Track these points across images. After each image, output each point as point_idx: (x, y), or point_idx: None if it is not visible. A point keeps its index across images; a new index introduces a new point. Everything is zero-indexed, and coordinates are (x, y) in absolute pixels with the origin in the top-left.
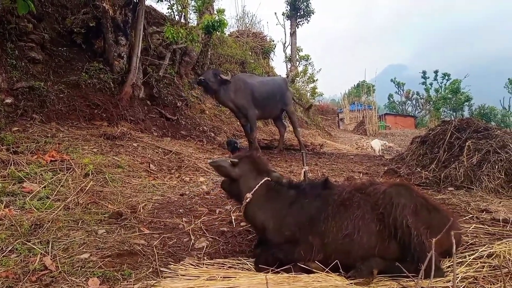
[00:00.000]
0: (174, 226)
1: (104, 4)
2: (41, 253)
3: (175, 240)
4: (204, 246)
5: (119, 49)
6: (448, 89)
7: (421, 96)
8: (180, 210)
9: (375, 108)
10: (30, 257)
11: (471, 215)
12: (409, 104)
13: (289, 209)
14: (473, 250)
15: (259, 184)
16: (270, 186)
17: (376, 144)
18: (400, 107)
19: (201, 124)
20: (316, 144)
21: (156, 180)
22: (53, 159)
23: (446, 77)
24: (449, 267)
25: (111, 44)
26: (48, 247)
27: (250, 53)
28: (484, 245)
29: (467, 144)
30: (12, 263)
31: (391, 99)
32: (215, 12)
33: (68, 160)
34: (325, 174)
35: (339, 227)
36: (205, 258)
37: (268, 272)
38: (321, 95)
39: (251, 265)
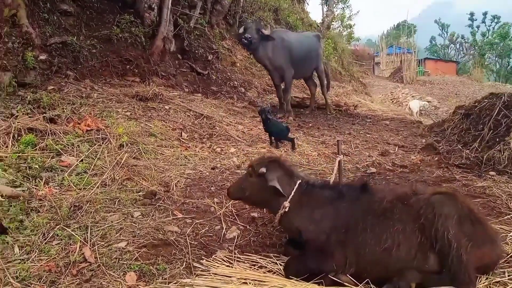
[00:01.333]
0: (206, 209)
1: None
2: (80, 241)
3: (207, 228)
4: (235, 236)
5: (149, 0)
6: (496, 34)
7: (466, 40)
8: (212, 188)
9: (415, 52)
10: (70, 244)
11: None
12: (452, 48)
13: (325, 212)
14: None
15: (294, 189)
16: (302, 189)
17: (415, 106)
18: (443, 51)
19: (232, 78)
20: (350, 104)
21: (188, 150)
22: (88, 128)
23: (496, 20)
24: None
25: None
26: (87, 233)
27: None
28: None
29: None
30: (54, 251)
31: (433, 42)
32: None
33: (103, 129)
34: (358, 146)
35: (378, 240)
36: (236, 251)
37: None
38: (358, 40)
39: (281, 264)
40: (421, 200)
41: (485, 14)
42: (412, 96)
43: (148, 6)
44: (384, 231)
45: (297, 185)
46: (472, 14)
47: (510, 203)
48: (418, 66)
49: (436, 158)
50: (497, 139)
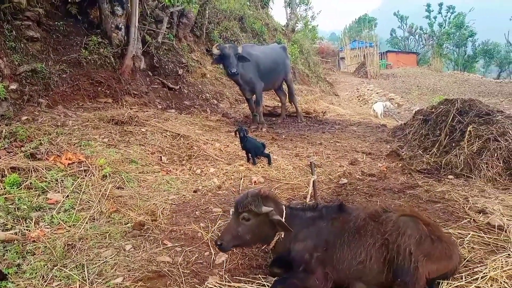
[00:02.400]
0: (193, 235)
1: None
2: (79, 280)
3: (196, 255)
4: (223, 261)
5: (116, 20)
6: (452, 23)
7: (424, 31)
8: (196, 212)
9: (376, 45)
10: (69, 285)
11: (468, 218)
12: (411, 40)
13: (308, 232)
14: (469, 269)
15: (284, 216)
16: (288, 213)
17: (378, 108)
18: (403, 42)
19: (204, 91)
20: (319, 111)
21: (169, 174)
22: (70, 161)
23: (451, 10)
24: None
25: (108, 15)
26: (84, 271)
27: (249, 3)
28: (479, 264)
29: (468, 129)
30: None
31: (394, 34)
32: None
33: (85, 161)
34: (330, 156)
35: (354, 255)
36: (226, 276)
37: None
38: (322, 39)
39: (269, 286)
40: (390, 220)
41: (440, 5)
42: (377, 93)
43: (116, 26)
44: (359, 247)
45: (284, 211)
46: (428, 5)
47: (467, 207)
48: (381, 59)
49: (400, 165)
50: (453, 144)
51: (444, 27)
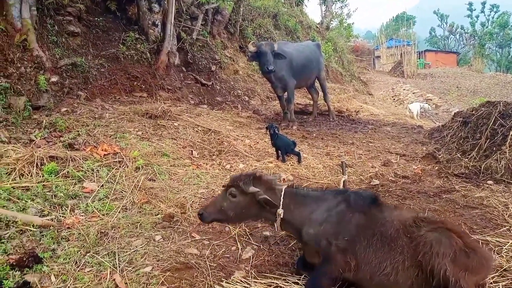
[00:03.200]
0: (221, 229)
1: None
2: (110, 267)
3: (224, 249)
4: (250, 256)
5: (153, 17)
6: (496, 23)
7: (465, 30)
8: None
9: (414, 44)
10: (101, 271)
11: (508, 226)
12: (452, 39)
13: (328, 216)
14: (507, 278)
15: (282, 196)
16: (292, 193)
17: (415, 108)
18: (442, 42)
19: (235, 87)
20: (352, 110)
21: (199, 168)
22: (105, 152)
23: (495, 9)
24: None
25: (145, 12)
26: (115, 259)
27: (283, 1)
28: None
29: (511, 133)
30: (87, 279)
31: (433, 33)
32: None
33: (119, 153)
34: (361, 157)
35: (378, 264)
36: (252, 271)
37: None
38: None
39: (295, 284)
40: (420, 237)
41: (483, 3)
42: (413, 93)
43: (152, 22)
44: (386, 259)
45: (283, 191)
46: (470, 4)
47: (506, 214)
48: (419, 58)
49: (436, 168)
50: (494, 148)
51: (487, 27)
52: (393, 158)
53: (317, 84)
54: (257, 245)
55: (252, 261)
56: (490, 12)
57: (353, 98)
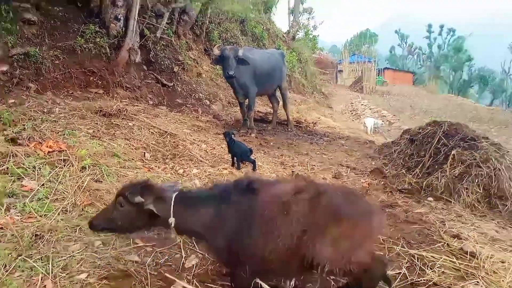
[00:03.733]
0: (167, 236)
1: None
2: (42, 273)
3: (166, 257)
4: (193, 265)
5: (116, 11)
6: (451, 46)
7: (423, 51)
8: None
9: (375, 61)
10: (32, 277)
11: (443, 242)
12: (410, 59)
13: (214, 217)
14: None
15: (172, 203)
16: (183, 198)
17: (369, 123)
18: (401, 61)
19: (197, 90)
20: (310, 121)
21: (150, 171)
22: (50, 149)
23: (451, 33)
24: None
25: (108, 5)
26: (49, 264)
27: (252, 7)
28: None
29: (452, 153)
30: (16, 284)
31: (393, 52)
32: None
33: (65, 150)
34: (314, 168)
35: (263, 252)
36: (194, 280)
37: None
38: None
39: None
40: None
41: (441, 27)
42: (370, 109)
43: (115, 16)
44: (266, 244)
45: (173, 198)
46: (430, 26)
47: (442, 231)
48: (378, 75)
49: (383, 182)
50: (436, 166)
51: (443, 49)
52: (344, 171)
53: (278, 93)
54: (201, 254)
55: (194, 270)
56: (447, 35)
57: (313, 109)
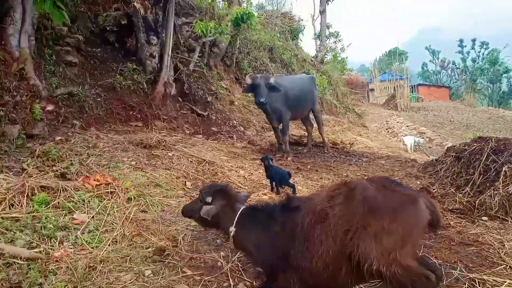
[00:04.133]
0: (213, 263)
1: (135, 3)
2: None
3: (215, 286)
4: None
5: (151, 49)
6: (486, 59)
7: (457, 66)
8: (217, 241)
9: (407, 78)
10: None
11: (504, 265)
12: (444, 74)
13: (262, 236)
14: None
15: (237, 215)
16: (249, 213)
17: (409, 141)
18: (434, 76)
19: (231, 118)
20: (346, 142)
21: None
22: (98, 183)
23: (485, 46)
24: None
25: (143, 44)
26: None
27: (279, 35)
28: None
29: (503, 169)
30: None
31: (425, 68)
32: (244, 1)
33: (112, 183)
34: None
35: (311, 263)
36: None
37: None
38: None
39: None
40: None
41: (474, 41)
42: (407, 126)
43: (150, 54)
44: (313, 255)
45: (239, 211)
46: (461, 41)
47: (502, 252)
48: (411, 92)
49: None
50: (488, 184)
51: (478, 63)
52: None
53: (311, 116)
54: (249, 282)
55: None
56: (480, 49)
57: (348, 130)
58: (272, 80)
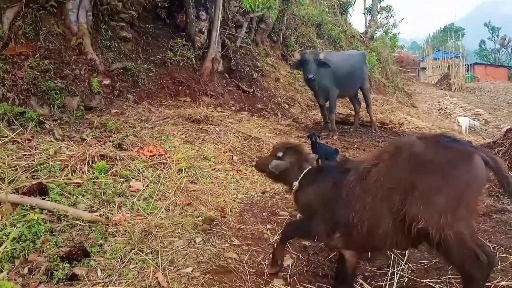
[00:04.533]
0: (260, 235)
1: None
2: (153, 265)
3: (262, 256)
4: (289, 265)
5: (200, 24)
6: None
7: None
8: (264, 214)
9: (463, 56)
10: (144, 269)
11: None
12: (503, 53)
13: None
14: None
15: (303, 173)
16: (310, 173)
17: (464, 122)
18: (493, 55)
19: (276, 95)
20: (395, 122)
21: (239, 174)
22: (151, 154)
23: None
24: None
25: (193, 19)
26: (158, 257)
27: (327, 10)
28: None
29: None
30: (131, 275)
31: (483, 46)
32: None
33: (164, 155)
34: None
35: (359, 221)
36: (291, 280)
37: None
38: (402, 48)
39: None
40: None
41: None
42: (461, 107)
43: (199, 29)
44: (359, 211)
45: (306, 170)
46: None
47: None
48: (467, 71)
49: (487, 186)
50: None
51: None
52: None
53: (359, 95)
54: (295, 254)
55: (290, 270)
56: None
57: (397, 110)
58: (321, 56)
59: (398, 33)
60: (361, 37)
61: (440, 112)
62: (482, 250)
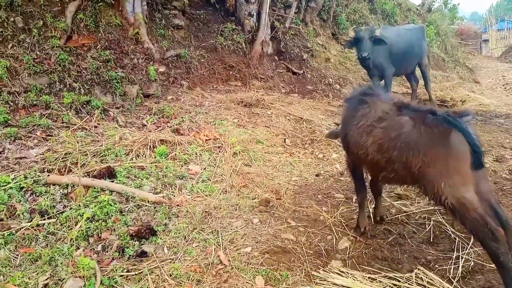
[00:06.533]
0: (316, 217)
1: None
2: (214, 244)
3: (319, 237)
4: (346, 247)
5: (249, 7)
6: None
7: None
8: (319, 196)
9: None
10: (206, 247)
11: None
12: None
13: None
14: None
15: None
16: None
17: None
18: None
19: (327, 75)
20: (457, 99)
21: (292, 156)
22: (207, 138)
23: None
24: None
25: (242, 2)
26: (218, 237)
27: None
28: None
29: None
30: (195, 253)
31: None
32: None
33: (219, 139)
34: None
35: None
36: (349, 262)
37: None
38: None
39: (397, 281)
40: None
41: None
42: None
43: (248, 13)
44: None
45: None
46: None
47: None
48: None
49: None
50: None
51: None
52: (507, 154)
53: (417, 72)
54: (353, 237)
55: (349, 252)
56: None
57: (458, 86)
58: (377, 33)
59: (458, 4)
60: (417, 9)
61: (505, 88)
62: (501, 224)
